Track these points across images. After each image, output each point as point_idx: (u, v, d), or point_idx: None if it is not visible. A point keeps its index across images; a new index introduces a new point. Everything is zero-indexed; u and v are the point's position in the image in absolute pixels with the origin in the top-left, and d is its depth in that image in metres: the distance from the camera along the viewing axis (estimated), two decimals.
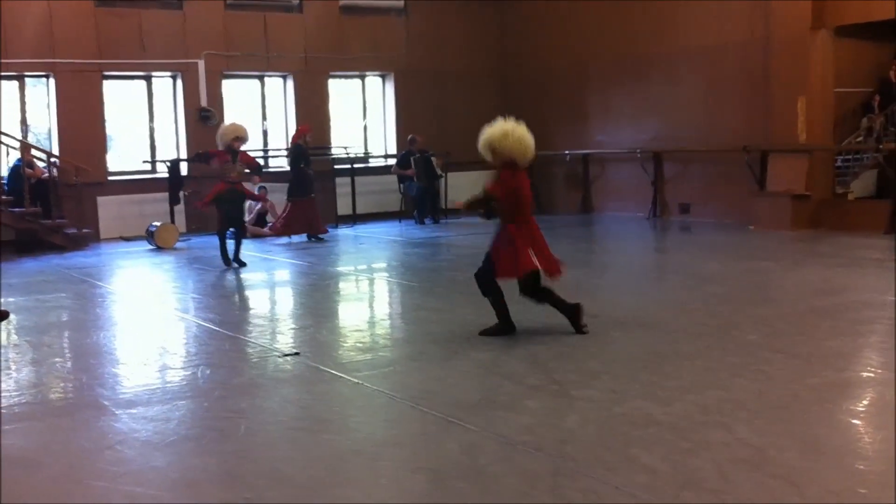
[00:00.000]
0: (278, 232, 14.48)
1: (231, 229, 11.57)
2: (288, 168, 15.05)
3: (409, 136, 16.82)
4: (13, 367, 6.50)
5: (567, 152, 17.43)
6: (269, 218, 15.55)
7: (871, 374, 5.70)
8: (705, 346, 6.46)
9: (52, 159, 14.59)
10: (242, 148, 11.73)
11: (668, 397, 5.16)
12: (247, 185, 12.23)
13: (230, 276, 10.92)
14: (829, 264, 10.17)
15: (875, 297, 8.13)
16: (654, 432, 4.58)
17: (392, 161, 17.53)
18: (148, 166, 16.14)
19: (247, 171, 11.95)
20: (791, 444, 4.36)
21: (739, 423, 4.65)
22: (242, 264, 11.43)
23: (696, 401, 5.08)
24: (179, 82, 16.17)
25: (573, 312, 7.01)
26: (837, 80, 14.19)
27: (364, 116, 18.43)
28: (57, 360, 6.89)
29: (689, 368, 5.83)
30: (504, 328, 6.99)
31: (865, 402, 5.18)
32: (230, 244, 11.50)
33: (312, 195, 14.40)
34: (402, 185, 17.08)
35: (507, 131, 6.92)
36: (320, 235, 14.40)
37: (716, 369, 5.78)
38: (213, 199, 11.59)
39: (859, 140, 15.34)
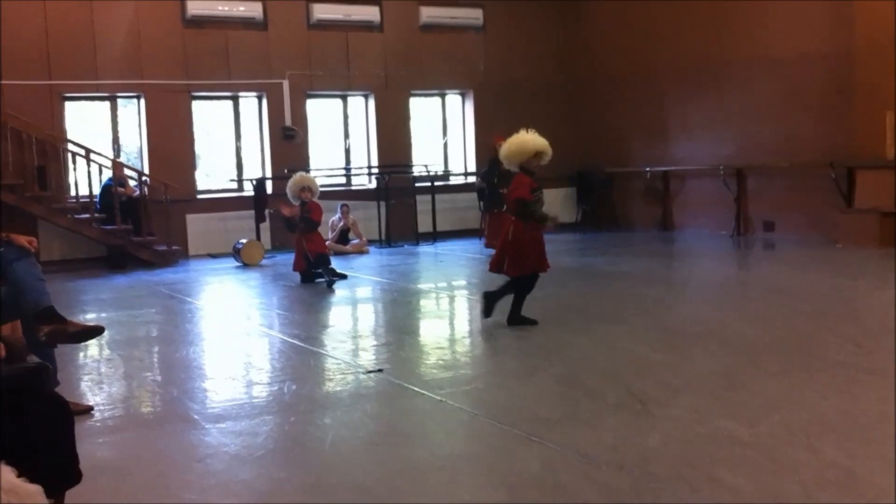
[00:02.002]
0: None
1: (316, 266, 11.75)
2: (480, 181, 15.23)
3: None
4: (106, 381, 6.71)
5: (647, 168, 17.28)
6: (351, 235, 15.75)
7: None
8: (791, 364, 6.35)
9: (143, 177, 15.02)
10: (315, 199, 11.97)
11: (753, 416, 5.09)
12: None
13: (314, 293, 11.08)
14: None
15: None
16: (739, 452, 4.52)
17: (472, 178, 17.59)
18: (234, 184, 16.49)
19: (300, 222, 11.92)
20: (879, 464, 4.27)
21: (826, 444, 4.57)
22: (341, 276, 11.70)
23: (782, 420, 5.01)
24: (265, 101, 16.50)
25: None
26: None
27: (444, 134, 18.56)
28: (147, 373, 7.09)
29: (774, 387, 5.74)
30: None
31: None
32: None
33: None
34: (481, 203, 17.10)
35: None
36: None
37: (802, 388, 5.69)
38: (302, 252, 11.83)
39: None
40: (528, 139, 8.00)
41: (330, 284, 11.30)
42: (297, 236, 12.03)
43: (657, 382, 5.94)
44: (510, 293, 8.14)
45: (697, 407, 5.33)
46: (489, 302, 8.18)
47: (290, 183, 12.05)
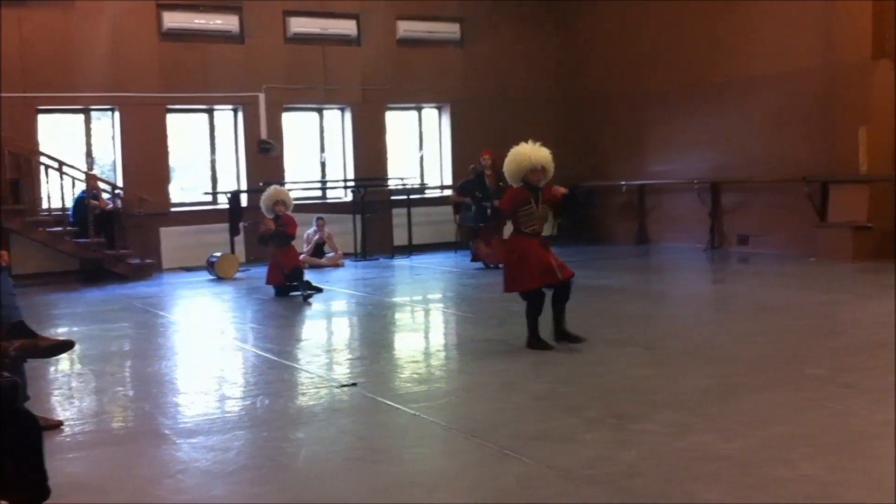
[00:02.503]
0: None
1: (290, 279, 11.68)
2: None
3: (472, 166, 16.84)
4: (76, 396, 6.62)
5: (623, 183, 17.34)
6: (326, 248, 15.68)
7: None
8: (770, 379, 6.35)
9: (117, 191, 14.90)
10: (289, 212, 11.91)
11: (733, 432, 5.07)
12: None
13: (289, 306, 11.01)
14: (892, 296, 9.95)
15: None
16: (718, 467, 4.50)
17: (448, 192, 17.58)
18: (209, 198, 16.40)
19: (275, 236, 11.82)
20: (855, 480, 4.26)
21: (805, 459, 4.56)
22: (316, 290, 11.64)
23: (761, 436, 4.99)
24: (241, 115, 16.43)
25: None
26: None
27: (420, 147, 18.56)
28: (119, 388, 7.00)
29: (753, 402, 5.73)
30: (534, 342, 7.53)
31: None
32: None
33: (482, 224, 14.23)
34: (457, 216, 17.09)
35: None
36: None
37: (781, 403, 5.68)
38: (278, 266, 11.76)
39: None
40: (524, 153, 7.60)
41: (305, 298, 11.23)
42: (271, 250, 11.96)
43: (636, 398, 5.92)
44: (531, 315, 7.60)
45: (676, 422, 5.31)
46: (533, 337, 7.59)
47: (264, 196, 12.00)
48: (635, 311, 9.84)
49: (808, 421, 5.27)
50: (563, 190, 7.83)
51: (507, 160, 7.70)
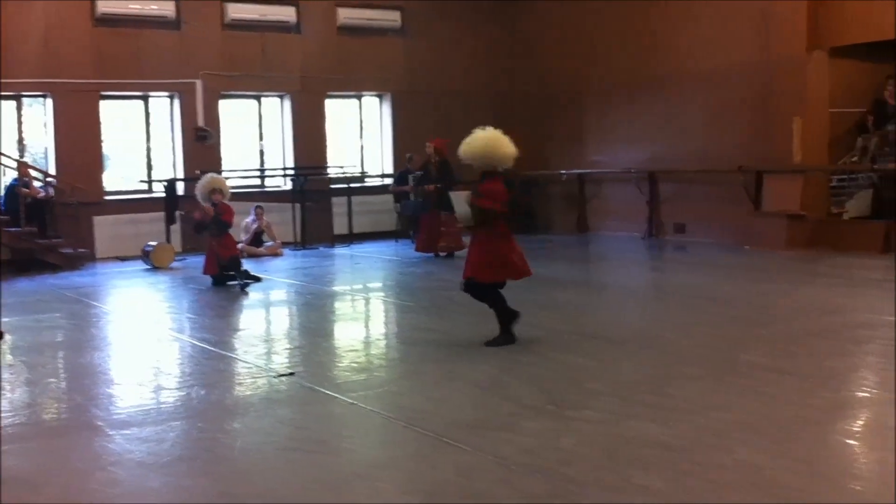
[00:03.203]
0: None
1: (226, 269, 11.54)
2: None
3: (408, 155, 16.81)
4: (8, 388, 6.45)
5: (563, 172, 17.45)
6: (265, 237, 15.53)
7: (868, 395, 5.69)
8: (704, 366, 6.43)
9: (49, 179, 14.58)
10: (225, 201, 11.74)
11: (669, 418, 5.13)
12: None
13: (226, 296, 10.88)
14: (825, 284, 10.17)
15: (872, 316, 8.12)
16: (654, 453, 4.54)
17: (389, 181, 17.54)
18: (144, 186, 16.13)
19: (212, 224, 11.62)
20: (789, 464, 4.33)
21: (739, 445, 4.62)
22: (254, 279, 11.51)
23: (697, 422, 5.05)
24: (177, 102, 16.18)
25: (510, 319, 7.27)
26: (833, 100, 14.22)
27: (361, 136, 18.45)
28: (51, 380, 6.86)
29: (689, 389, 5.80)
30: (507, 337, 7.21)
31: (862, 423, 5.16)
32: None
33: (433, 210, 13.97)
34: (398, 205, 17.05)
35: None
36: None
37: (714, 390, 5.75)
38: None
39: (854, 160, 15.36)
40: (503, 140, 7.35)
41: (243, 287, 11.11)
42: (208, 239, 11.80)
43: (574, 386, 5.96)
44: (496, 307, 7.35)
45: (613, 409, 5.35)
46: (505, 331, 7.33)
47: (200, 184, 11.82)
48: (574, 300, 9.91)
49: (744, 407, 5.34)
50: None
51: (493, 142, 7.31)
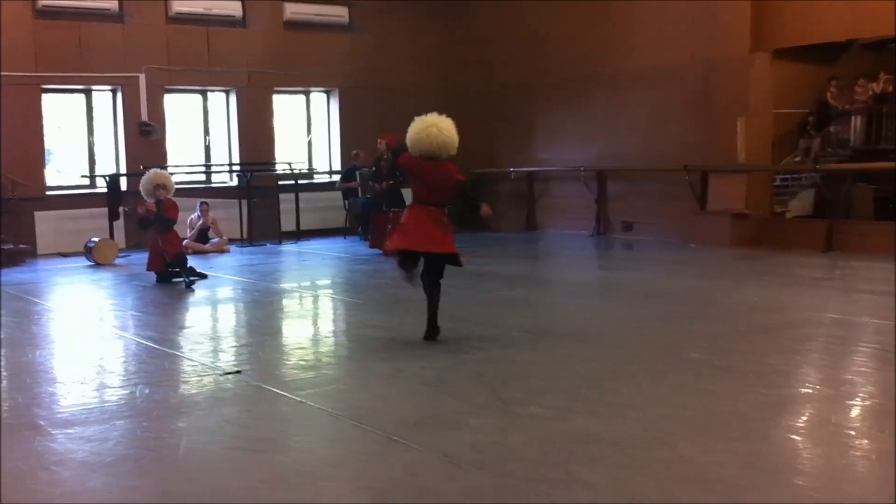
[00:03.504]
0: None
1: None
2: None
3: (354, 152, 16.79)
4: None
5: (512, 170, 17.51)
6: (211, 234, 15.38)
7: (810, 391, 5.79)
8: (648, 363, 6.50)
9: None
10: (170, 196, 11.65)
11: (612, 414, 5.18)
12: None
13: (171, 293, 10.76)
14: (768, 282, 10.33)
15: (813, 314, 8.28)
16: (597, 449, 4.58)
17: (337, 177, 17.47)
18: (87, 181, 15.89)
19: (156, 221, 11.47)
20: (731, 460, 4.39)
21: (681, 441, 4.68)
22: (200, 276, 11.42)
23: (639, 418, 5.11)
24: (120, 96, 15.96)
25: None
26: (776, 101, 14.47)
27: (308, 132, 18.36)
28: None
29: (632, 385, 5.86)
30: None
31: (804, 419, 5.24)
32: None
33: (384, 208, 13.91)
34: (346, 202, 17.00)
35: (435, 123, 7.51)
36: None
37: (658, 386, 5.82)
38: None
39: (797, 160, 15.65)
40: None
41: (189, 285, 10.99)
42: (152, 235, 11.65)
43: (521, 383, 5.98)
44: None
45: (559, 406, 5.39)
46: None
47: (144, 180, 11.68)
48: (521, 297, 9.95)
49: (686, 403, 5.41)
50: None
51: (448, 128, 7.47)
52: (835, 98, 16.06)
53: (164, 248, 11.37)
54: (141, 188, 11.65)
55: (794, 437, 4.89)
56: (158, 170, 12.40)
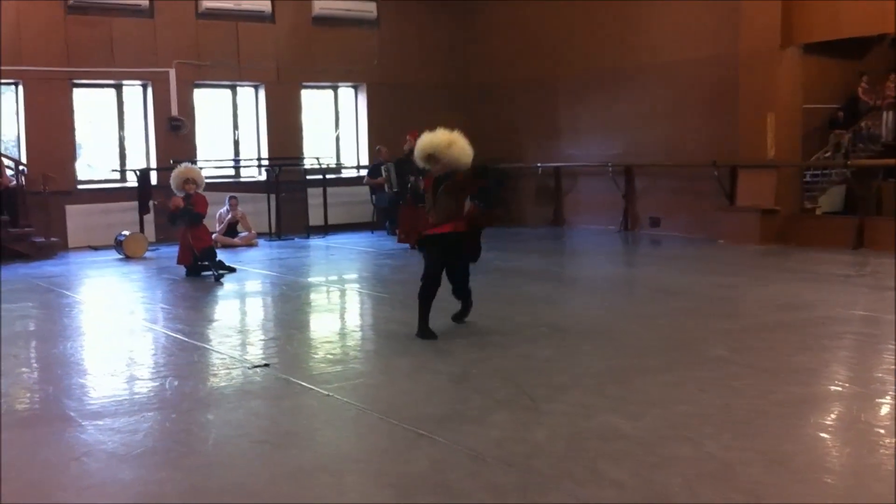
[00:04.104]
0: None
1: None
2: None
3: (377, 147, 16.86)
4: None
5: (539, 165, 17.49)
6: (239, 228, 15.48)
7: (839, 389, 5.74)
8: (673, 360, 6.49)
9: (20, 167, 14.46)
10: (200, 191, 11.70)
11: (636, 412, 5.18)
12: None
13: (200, 287, 10.85)
14: (796, 279, 10.27)
15: (842, 312, 8.22)
16: (622, 447, 4.59)
17: (364, 172, 17.54)
18: (117, 175, 16.03)
19: (184, 215, 11.52)
20: (757, 458, 4.38)
21: (706, 438, 4.68)
22: (229, 270, 11.54)
23: (664, 415, 5.10)
24: (150, 91, 16.08)
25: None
26: (805, 96, 14.35)
27: (336, 127, 18.42)
28: (23, 370, 6.81)
29: (657, 383, 5.85)
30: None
31: (833, 417, 5.21)
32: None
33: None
34: (373, 196, 17.06)
35: (453, 140, 7.25)
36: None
37: (683, 384, 5.81)
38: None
39: (827, 156, 15.51)
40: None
41: (218, 278, 11.08)
42: (181, 230, 11.75)
43: (545, 380, 5.99)
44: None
45: (583, 403, 5.40)
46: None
47: (174, 174, 11.78)
48: (545, 293, 9.95)
49: (710, 401, 5.40)
50: None
51: (462, 145, 7.30)
52: (865, 93, 15.92)
53: (193, 244, 11.46)
54: (171, 182, 11.76)
55: (822, 435, 4.87)
56: (189, 164, 12.51)
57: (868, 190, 13.30)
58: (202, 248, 11.49)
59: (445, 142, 7.22)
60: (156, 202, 14.88)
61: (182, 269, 11.65)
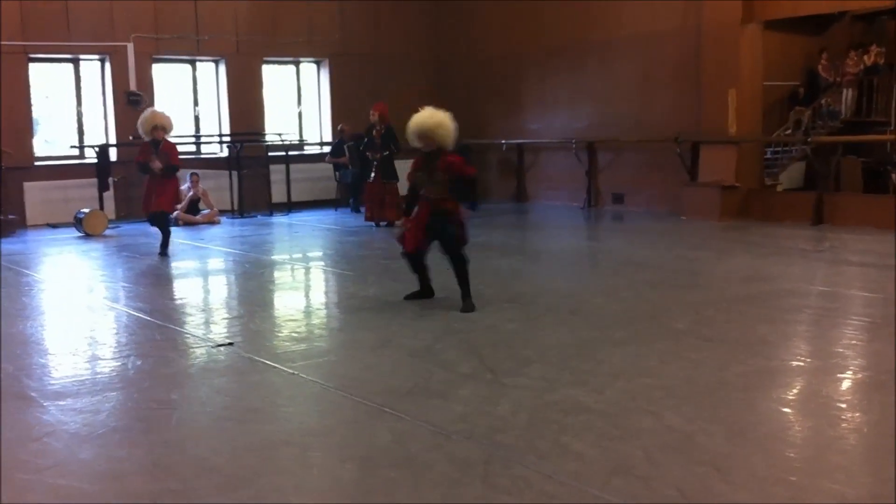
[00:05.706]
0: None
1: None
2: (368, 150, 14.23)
3: (339, 126, 16.77)
4: None
5: (503, 141, 17.48)
6: (201, 205, 15.34)
7: (800, 363, 5.81)
8: (635, 333, 6.55)
9: None
10: (168, 138, 11.31)
11: (599, 384, 5.22)
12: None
13: (161, 265, 10.74)
14: (756, 254, 10.37)
15: (802, 286, 8.32)
16: (585, 419, 4.62)
17: (327, 148, 17.44)
18: (76, 151, 15.81)
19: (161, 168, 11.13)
20: (719, 430, 4.43)
21: (668, 410, 4.72)
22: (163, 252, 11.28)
23: (626, 388, 5.15)
24: (108, 65, 15.85)
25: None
26: (766, 73, 14.45)
27: (299, 103, 18.28)
28: None
29: (619, 355, 5.90)
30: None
31: (795, 391, 5.27)
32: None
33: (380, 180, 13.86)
34: (336, 174, 16.98)
35: (441, 121, 7.67)
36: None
37: (646, 356, 5.86)
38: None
39: (788, 132, 15.66)
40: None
41: (162, 253, 10.96)
42: (148, 180, 11.26)
43: (509, 353, 6.02)
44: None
45: (547, 376, 5.43)
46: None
47: (141, 120, 11.22)
48: (511, 267, 9.98)
49: (672, 373, 5.46)
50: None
51: (442, 122, 7.66)
52: (825, 70, 16.07)
53: (156, 199, 11.04)
54: (139, 128, 11.25)
55: (783, 408, 4.92)
56: (156, 109, 11.95)
57: (827, 166, 13.44)
58: (160, 210, 11.15)
59: (435, 122, 7.63)
60: (115, 179, 14.67)
61: (143, 247, 11.48)
